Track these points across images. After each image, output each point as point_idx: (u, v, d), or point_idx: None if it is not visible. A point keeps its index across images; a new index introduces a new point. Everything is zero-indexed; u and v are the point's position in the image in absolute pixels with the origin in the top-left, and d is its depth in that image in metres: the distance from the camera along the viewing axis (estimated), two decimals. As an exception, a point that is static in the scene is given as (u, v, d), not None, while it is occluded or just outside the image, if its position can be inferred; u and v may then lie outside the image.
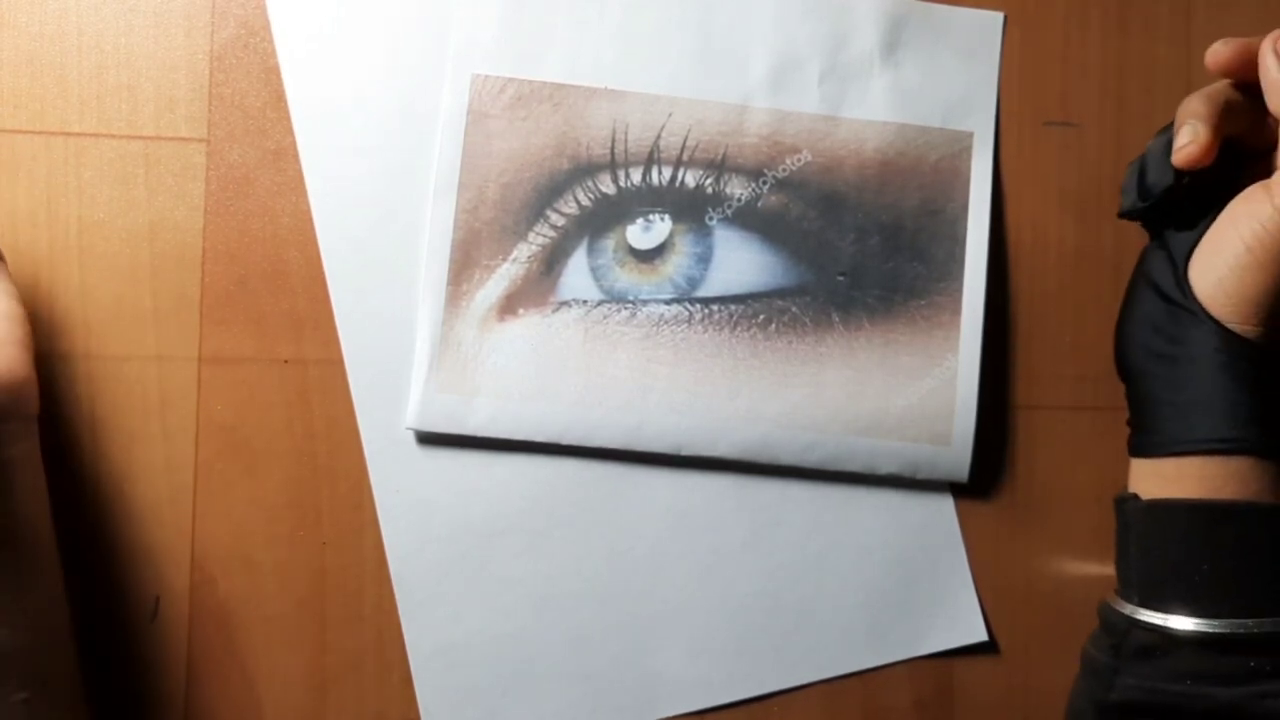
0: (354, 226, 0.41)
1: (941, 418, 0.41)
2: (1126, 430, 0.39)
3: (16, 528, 0.35)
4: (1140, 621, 0.34)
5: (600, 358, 0.41)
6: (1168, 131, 0.38)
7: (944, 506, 0.42)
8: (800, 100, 0.42)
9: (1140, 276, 0.38)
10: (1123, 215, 0.40)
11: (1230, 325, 0.34)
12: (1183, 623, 0.33)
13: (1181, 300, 0.35)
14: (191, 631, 0.40)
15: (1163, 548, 0.35)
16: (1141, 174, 0.38)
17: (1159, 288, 0.36)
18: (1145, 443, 0.36)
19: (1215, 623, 0.33)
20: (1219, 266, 0.34)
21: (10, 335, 0.35)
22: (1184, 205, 0.37)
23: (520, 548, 0.41)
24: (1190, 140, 0.35)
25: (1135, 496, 0.36)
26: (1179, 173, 0.36)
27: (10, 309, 0.36)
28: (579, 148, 0.41)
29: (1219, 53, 0.36)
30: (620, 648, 0.41)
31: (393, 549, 0.40)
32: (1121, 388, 0.39)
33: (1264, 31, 0.36)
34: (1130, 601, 0.35)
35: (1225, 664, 0.33)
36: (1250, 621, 0.33)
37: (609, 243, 0.41)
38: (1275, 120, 0.35)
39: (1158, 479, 0.36)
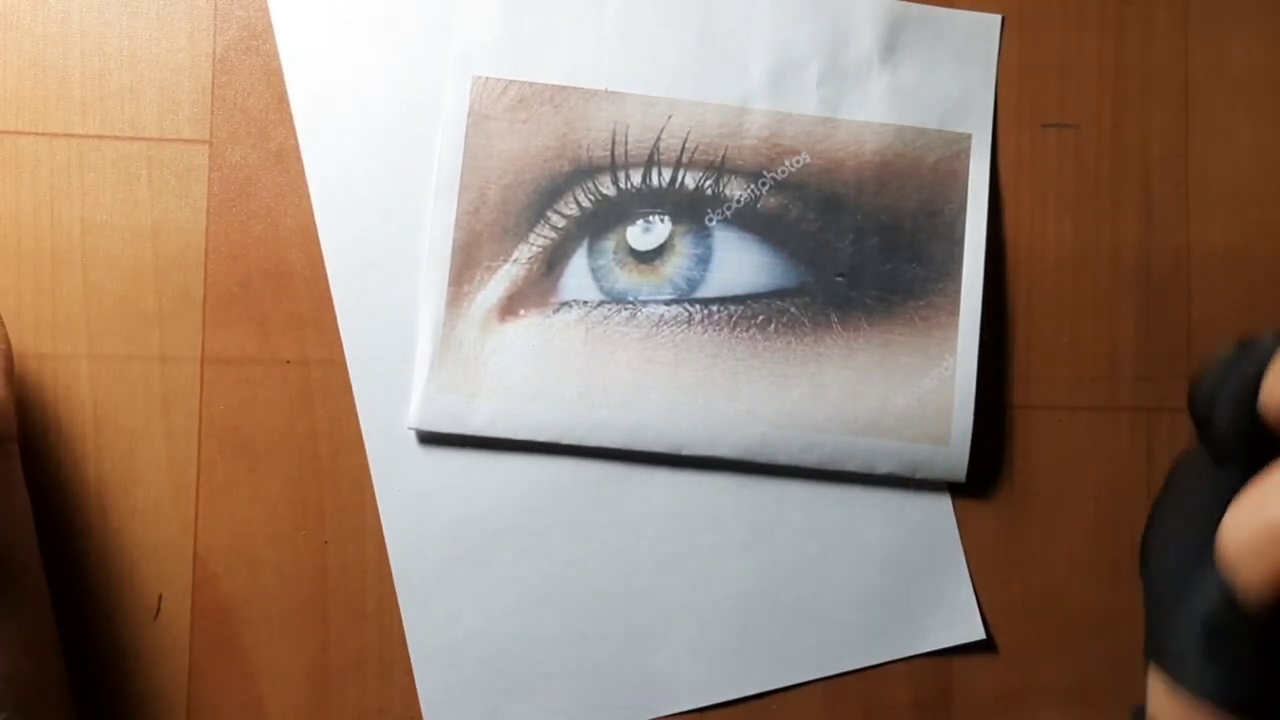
0: (356, 227, 0.41)
1: (940, 418, 0.41)
2: (1124, 430, 0.39)
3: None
4: None
5: (601, 358, 0.41)
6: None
7: (942, 506, 0.42)
8: (799, 102, 0.42)
9: (1186, 481, 0.31)
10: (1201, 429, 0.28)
11: (1243, 594, 0.28)
12: None
13: (1211, 539, 0.29)
14: (194, 630, 0.40)
15: None
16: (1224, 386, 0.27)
17: (1196, 513, 0.30)
18: (1156, 651, 0.32)
19: None
20: (1255, 524, 0.27)
21: None
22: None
23: (521, 547, 0.41)
24: None
25: (1142, 712, 0.34)
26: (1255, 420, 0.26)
27: None
28: (579, 149, 0.41)
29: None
30: (621, 646, 0.41)
31: (394, 548, 0.41)
32: (1120, 388, 0.40)
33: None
34: None
35: None
36: None
37: (609, 244, 0.41)
38: None
39: (1174, 702, 0.32)
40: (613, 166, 0.41)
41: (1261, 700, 0.31)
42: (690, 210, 0.41)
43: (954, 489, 0.42)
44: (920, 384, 0.41)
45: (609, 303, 0.41)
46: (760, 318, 0.41)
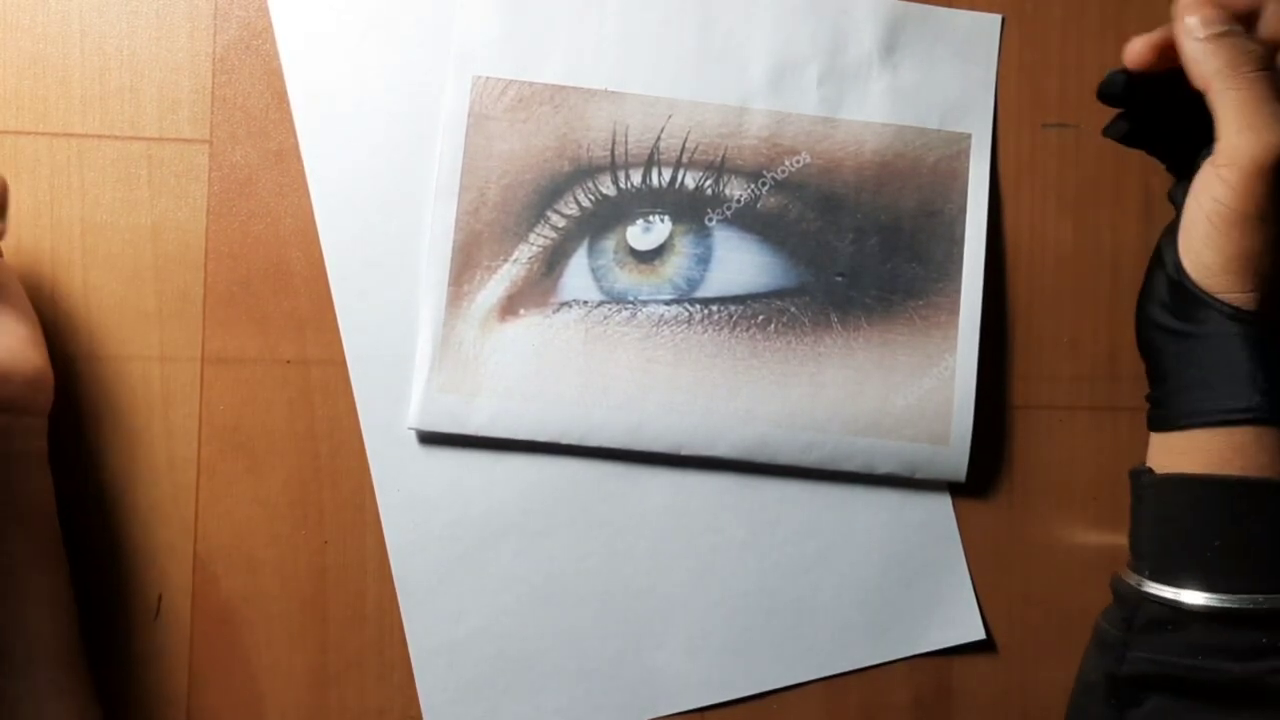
0: (356, 227, 0.41)
1: (939, 417, 0.41)
2: (1123, 429, 0.39)
3: (34, 518, 0.36)
4: (1151, 595, 0.34)
5: (601, 358, 0.41)
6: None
7: (942, 506, 0.42)
8: (799, 102, 0.42)
9: (1154, 255, 0.38)
10: (1104, 132, 0.40)
11: (1222, 296, 0.34)
12: (1193, 597, 0.33)
13: (1179, 278, 0.35)
14: (194, 629, 0.40)
15: (1173, 521, 0.35)
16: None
17: (1165, 266, 0.37)
18: (1158, 417, 0.37)
19: (1226, 597, 0.33)
20: (1194, 242, 0.35)
21: (30, 334, 0.36)
22: (1163, 126, 0.38)
23: (521, 546, 0.41)
24: (1138, 39, 0.36)
25: (1149, 470, 0.36)
26: (1128, 76, 0.37)
27: (26, 309, 0.37)
28: (579, 149, 0.41)
29: (1139, 53, 0.37)
30: (620, 646, 0.41)
31: (394, 547, 0.41)
32: (1120, 388, 0.40)
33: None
34: (1141, 574, 0.35)
35: (1236, 639, 0.33)
36: (1261, 597, 0.33)
37: (609, 244, 0.41)
38: (1203, 93, 0.35)
39: (1171, 453, 0.36)
40: (613, 166, 0.41)
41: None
42: (690, 210, 0.41)
43: (954, 489, 0.42)
44: (920, 384, 0.41)
45: (609, 303, 0.41)
46: (760, 318, 0.41)
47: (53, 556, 0.37)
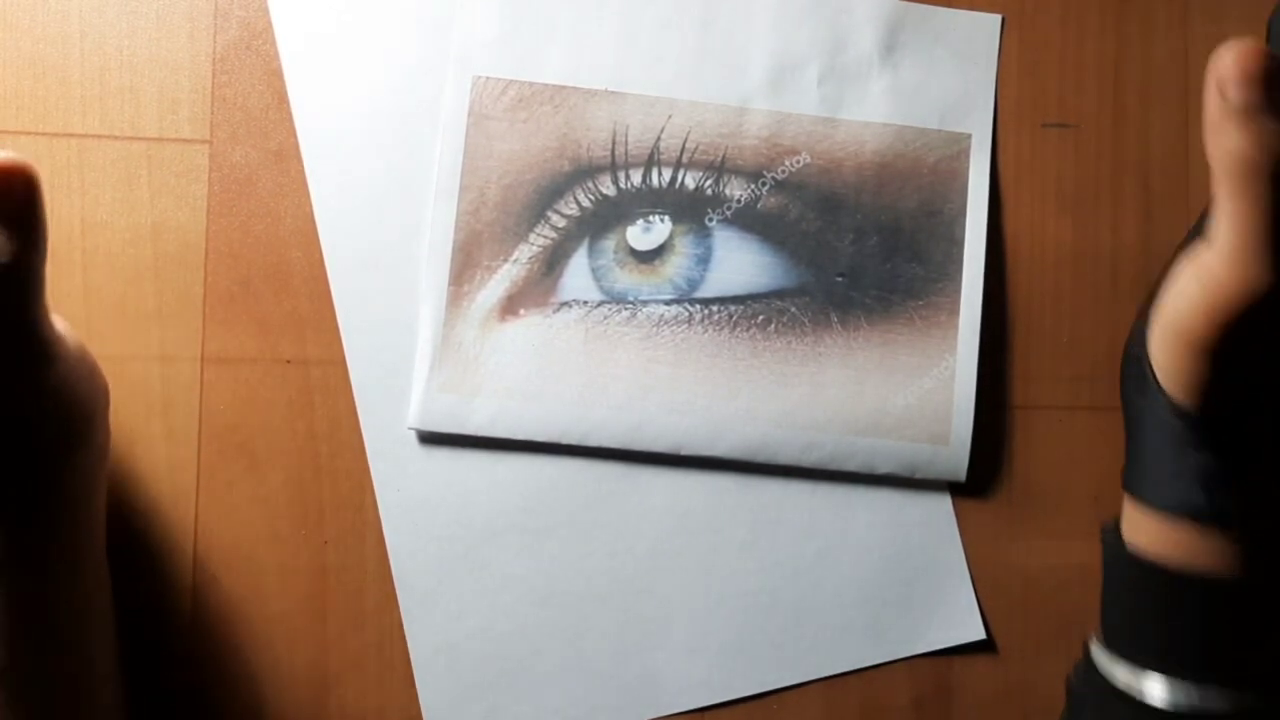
0: (356, 227, 0.41)
1: (939, 418, 0.41)
2: (1123, 437, 0.39)
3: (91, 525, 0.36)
4: (1104, 668, 0.33)
5: (601, 358, 0.41)
6: None
7: (942, 506, 0.42)
8: (799, 102, 0.42)
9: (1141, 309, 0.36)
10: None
11: (1170, 393, 0.31)
12: (1148, 680, 0.32)
13: (1140, 351, 0.33)
14: (194, 629, 0.40)
15: (1123, 594, 0.34)
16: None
17: (1141, 328, 0.33)
18: (1131, 480, 0.34)
19: (1177, 682, 0.31)
20: (1156, 331, 0.31)
21: (91, 363, 0.35)
22: None
23: (521, 546, 0.41)
24: None
25: (1116, 529, 0.35)
26: None
27: (78, 340, 0.35)
28: (579, 149, 0.41)
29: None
30: (620, 646, 0.41)
31: (394, 548, 0.41)
32: (1119, 389, 0.40)
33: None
34: (1100, 640, 0.34)
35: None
36: (1213, 691, 0.31)
37: (609, 244, 0.41)
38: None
39: (1132, 517, 0.34)
40: (613, 166, 0.41)
41: (1232, 509, 0.31)
42: (690, 210, 0.41)
43: (954, 489, 0.42)
44: (920, 384, 0.41)
45: (609, 303, 0.41)
46: (760, 318, 0.41)
47: (96, 552, 0.37)
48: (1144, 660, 0.32)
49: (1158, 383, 0.32)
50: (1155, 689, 0.32)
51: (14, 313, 0.30)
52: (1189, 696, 0.31)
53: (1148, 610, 0.33)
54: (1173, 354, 0.30)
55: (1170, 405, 0.31)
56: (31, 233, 0.29)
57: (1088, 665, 0.35)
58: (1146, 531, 0.33)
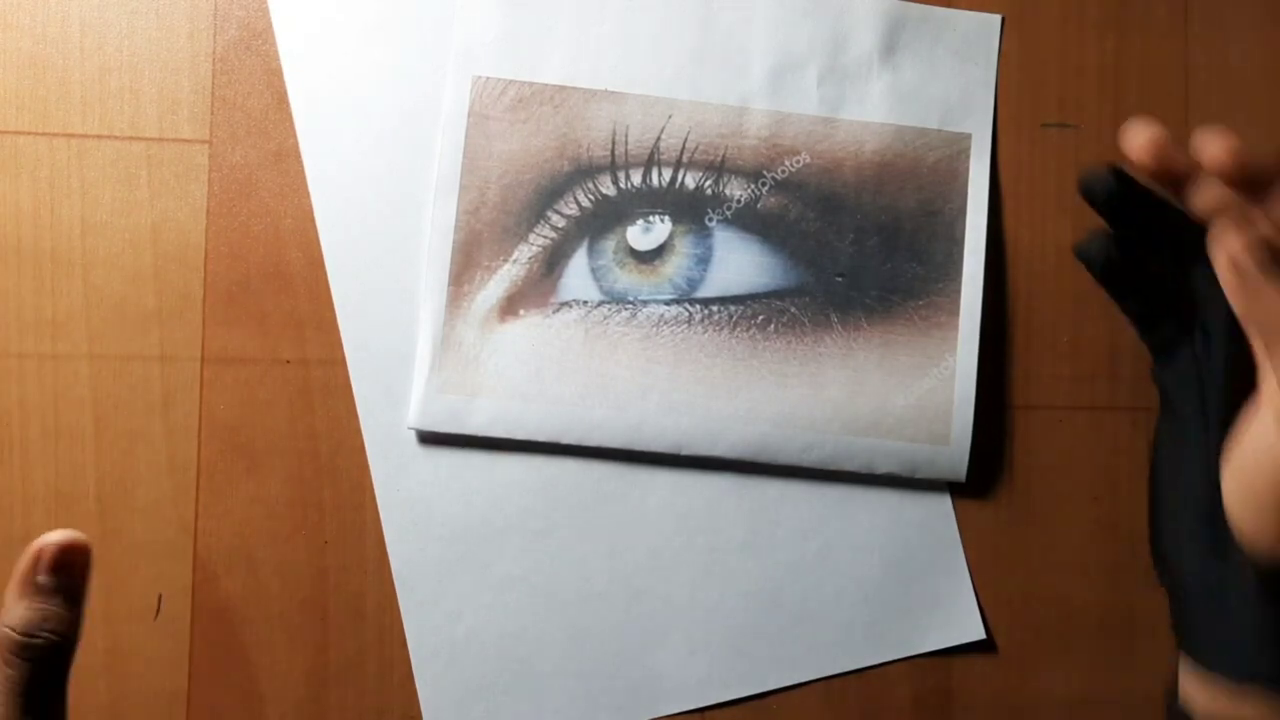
0: (356, 227, 0.41)
1: (940, 418, 0.41)
2: (1123, 430, 0.38)
3: None
4: None
5: (601, 358, 0.41)
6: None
7: (942, 506, 0.42)
8: (799, 102, 0.42)
9: (1166, 457, 0.34)
10: (1076, 250, 0.36)
11: (1258, 555, 0.31)
12: None
13: (1217, 511, 0.32)
14: (194, 629, 0.40)
15: None
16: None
17: (1191, 483, 0.33)
18: (1183, 641, 0.33)
19: None
20: (1242, 495, 0.31)
21: None
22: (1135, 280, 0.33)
23: (521, 546, 0.41)
24: (1141, 126, 0.31)
25: (1180, 707, 0.33)
26: (1120, 176, 0.33)
27: None
28: (579, 149, 0.41)
29: (1140, 148, 0.32)
30: (620, 646, 0.41)
31: (394, 548, 0.41)
32: (1120, 388, 0.40)
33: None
34: None
35: None
36: None
37: (609, 244, 0.41)
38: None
39: (1208, 691, 0.32)
40: (613, 166, 0.41)
41: None
42: (690, 210, 0.41)
43: (954, 489, 0.42)
44: (920, 384, 0.41)
45: (609, 303, 0.41)
46: (760, 318, 0.41)
47: None
48: None
49: (1239, 545, 0.31)
50: None
51: (58, 681, 0.29)
52: None
53: None
54: (1259, 508, 0.30)
55: (1258, 563, 0.31)
56: (81, 607, 0.30)
57: None
58: (1237, 705, 0.32)
